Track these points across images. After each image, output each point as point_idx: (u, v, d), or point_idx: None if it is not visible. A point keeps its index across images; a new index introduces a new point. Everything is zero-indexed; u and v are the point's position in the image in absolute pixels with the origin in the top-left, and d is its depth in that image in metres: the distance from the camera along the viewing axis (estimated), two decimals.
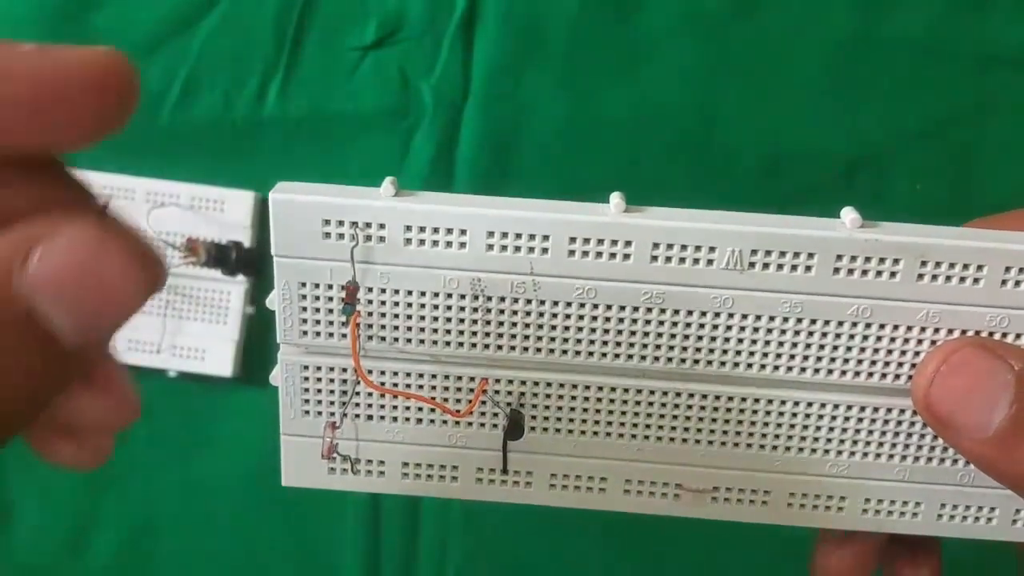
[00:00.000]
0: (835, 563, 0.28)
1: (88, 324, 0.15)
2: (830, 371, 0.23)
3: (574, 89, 0.44)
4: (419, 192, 0.22)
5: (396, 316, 0.23)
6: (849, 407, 0.23)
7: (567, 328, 0.22)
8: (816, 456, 0.24)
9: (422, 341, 0.23)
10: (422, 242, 0.22)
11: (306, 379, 0.24)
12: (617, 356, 0.23)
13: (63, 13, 0.44)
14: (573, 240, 0.22)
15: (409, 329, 0.23)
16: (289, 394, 0.24)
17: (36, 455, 0.18)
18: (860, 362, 0.22)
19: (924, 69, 0.43)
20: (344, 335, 0.23)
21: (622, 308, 0.22)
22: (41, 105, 0.14)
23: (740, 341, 0.22)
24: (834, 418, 0.23)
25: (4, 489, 0.47)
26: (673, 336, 0.22)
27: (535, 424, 0.24)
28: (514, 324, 0.22)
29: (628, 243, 0.21)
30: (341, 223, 0.22)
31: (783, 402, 0.23)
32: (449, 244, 0.22)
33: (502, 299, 0.22)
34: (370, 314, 0.23)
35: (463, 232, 0.22)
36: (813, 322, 0.22)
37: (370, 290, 0.22)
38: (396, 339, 0.23)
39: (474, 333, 0.23)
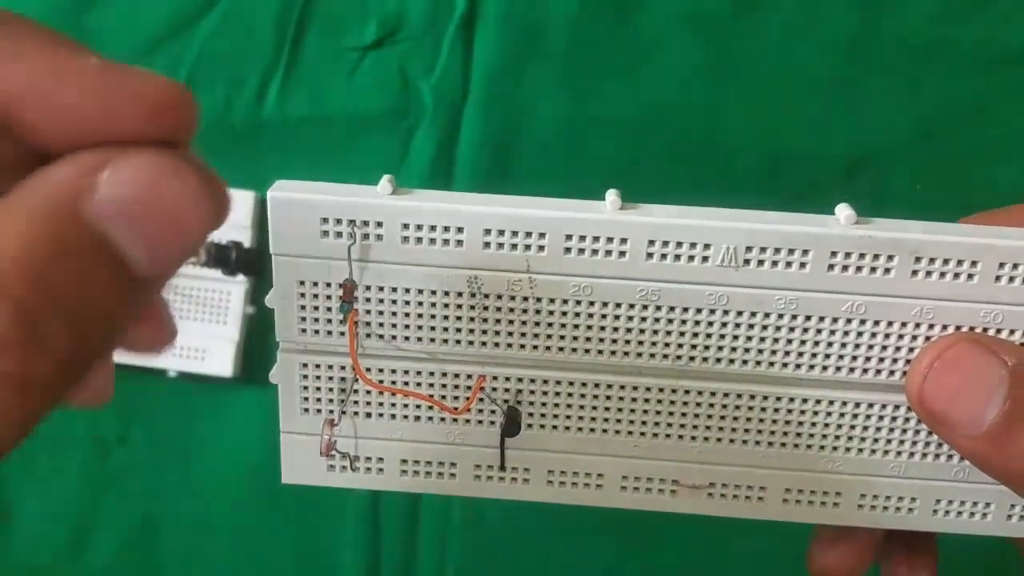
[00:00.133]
0: (831, 560, 0.28)
1: (160, 254, 0.14)
2: (825, 367, 0.23)
3: (574, 89, 0.44)
4: (416, 190, 0.22)
5: (394, 314, 0.23)
6: (844, 403, 0.23)
7: (563, 325, 0.23)
8: (812, 452, 0.24)
9: (419, 339, 0.23)
10: (419, 240, 0.22)
11: (305, 377, 0.24)
12: (613, 353, 0.23)
13: (63, 13, 0.44)
14: (569, 237, 0.22)
15: (407, 327, 0.23)
16: (288, 392, 0.24)
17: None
18: (855, 358, 0.23)
19: (924, 69, 0.43)
20: (342, 333, 0.23)
21: (618, 305, 0.22)
22: (97, 122, 0.14)
23: (735, 338, 0.22)
24: (829, 414, 0.23)
25: (4, 489, 0.47)
26: (669, 333, 0.22)
27: (532, 421, 0.24)
28: (511, 321, 0.23)
29: (624, 240, 0.22)
30: (339, 221, 0.22)
31: (778, 399, 0.23)
32: (446, 242, 0.22)
33: (499, 297, 0.22)
34: (368, 312, 0.23)
35: (460, 230, 0.22)
36: (808, 318, 0.22)
37: (368, 288, 0.22)
38: (394, 337, 0.23)
39: (471, 331, 0.23)
